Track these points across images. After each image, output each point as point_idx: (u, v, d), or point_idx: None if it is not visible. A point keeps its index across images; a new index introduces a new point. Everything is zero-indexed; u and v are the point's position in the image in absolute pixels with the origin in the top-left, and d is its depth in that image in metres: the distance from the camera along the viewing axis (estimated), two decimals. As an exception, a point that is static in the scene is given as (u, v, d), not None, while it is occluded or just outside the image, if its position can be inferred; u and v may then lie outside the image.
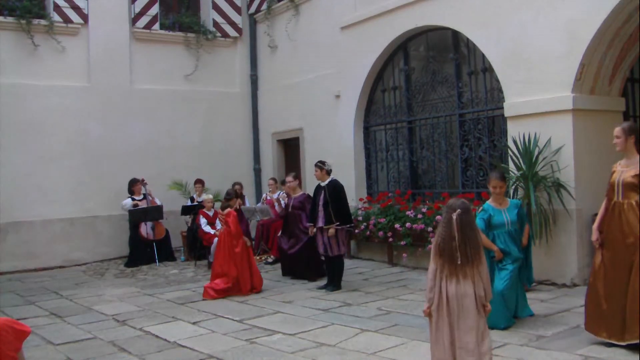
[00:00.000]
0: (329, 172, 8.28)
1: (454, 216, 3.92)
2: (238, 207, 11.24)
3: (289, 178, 9.38)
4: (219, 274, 8.11)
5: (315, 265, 8.92)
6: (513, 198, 7.60)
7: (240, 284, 8.03)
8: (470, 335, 3.85)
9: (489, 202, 6.09)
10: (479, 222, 5.82)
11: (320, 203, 8.10)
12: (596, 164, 7.42)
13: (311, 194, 8.76)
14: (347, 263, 8.84)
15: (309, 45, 11.79)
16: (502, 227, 5.96)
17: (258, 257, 10.79)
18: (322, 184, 8.22)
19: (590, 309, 5.15)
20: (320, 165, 8.30)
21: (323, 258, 8.48)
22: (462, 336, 3.86)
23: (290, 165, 12.57)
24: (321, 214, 8.08)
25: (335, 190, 8.11)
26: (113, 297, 8.19)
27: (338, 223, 7.95)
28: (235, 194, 8.79)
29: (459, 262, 3.87)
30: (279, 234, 9.67)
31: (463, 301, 3.87)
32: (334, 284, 8.05)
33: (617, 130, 5.09)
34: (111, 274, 10.26)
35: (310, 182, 11.73)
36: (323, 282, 8.34)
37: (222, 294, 7.90)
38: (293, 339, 5.75)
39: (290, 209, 9.26)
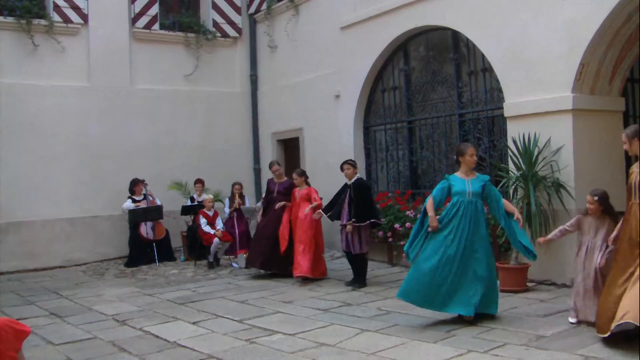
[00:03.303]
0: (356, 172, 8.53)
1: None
2: (238, 206, 11.28)
3: (276, 167, 9.50)
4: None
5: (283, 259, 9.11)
6: (513, 198, 7.62)
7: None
8: None
9: (455, 173, 6.24)
10: (435, 190, 6.19)
11: (346, 201, 8.25)
12: (596, 164, 7.42)
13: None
14: (346, 263, 8.84)
15: (309, 45, 11.79)
16: (462, 195, 6.02)
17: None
18: (349, 183, 8.35)
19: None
20: (353, 163, 8.50)
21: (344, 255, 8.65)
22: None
23: (290, 166, 12.55)
24: (345, 211, 8.22)
25: (359, 188, 8.26)
26: (113, 297, 8.19)
27: (354, 220, 8.06)
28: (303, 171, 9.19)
29: None
30: (258, 220, 9.75)
31: None
32: (359, 281, 8.24)
33: (622, 136, 5.25)
34: (111, 274, 10.26)
35: (312, 181, 11.72)
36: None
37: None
38: (293, 339, 5.75)
39: (275, 194, 9.36)
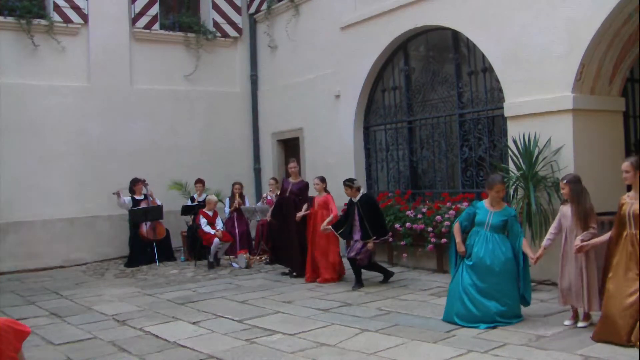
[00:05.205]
0: (358, 189, 8.39)
1: None
2: (238, 206, 11.28)
3: (293, 164, 9.57)
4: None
5: (299, 258, 9.16)
6: (513, 198, 7.61)
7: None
8: None
9: (483, 202, 6.24)
10: (461, 216, 6.32)
11: (356, 219, 8.24)
12: (596, 164, 7.42)
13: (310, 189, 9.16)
14: (347, 263, 8.84)
15: (309, 45, 11.79)
16: (481, 226, 6.08)
17: (258, 257, 10.81)
18: (354, 200, 8.33)
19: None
20: (349, 184, 8.38)
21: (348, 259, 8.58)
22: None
23: (290, 165, 12.56)
24: (357, 229, 8.22)
25: (367, 205, 8.25)
26: (113, 297, 8.19)
27: (375, 237, 8.11)
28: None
29: None
30: (269, 218, 9.78)
31: None
32: (359, 281, 8.26)
33: (626, 165, 5.15)
34: (111, 274, 10.26)
35: (311, 182, 11.73)
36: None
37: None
38: (293, 339, 5.75)
39: (288, 194, 9.39)
